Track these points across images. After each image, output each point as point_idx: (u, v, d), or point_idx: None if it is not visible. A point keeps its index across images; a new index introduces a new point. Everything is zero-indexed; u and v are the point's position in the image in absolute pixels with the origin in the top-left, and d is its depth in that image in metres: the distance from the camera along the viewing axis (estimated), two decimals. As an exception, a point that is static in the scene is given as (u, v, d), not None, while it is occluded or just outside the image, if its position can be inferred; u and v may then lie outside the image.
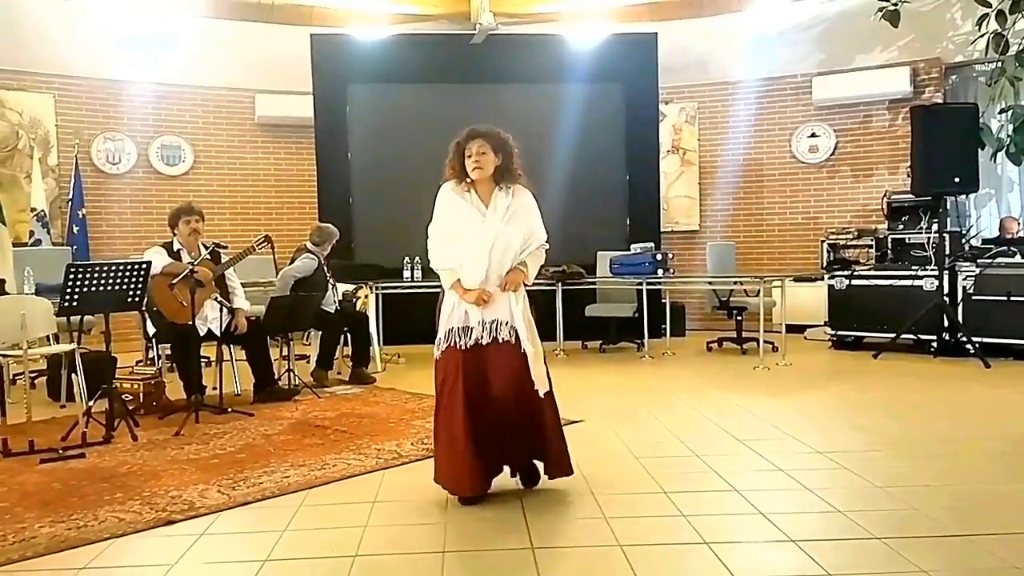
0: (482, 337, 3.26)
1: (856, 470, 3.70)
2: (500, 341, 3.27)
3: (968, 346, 6.85)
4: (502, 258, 3.32)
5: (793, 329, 7.76)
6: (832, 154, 9.06)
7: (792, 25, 8.84)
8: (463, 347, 3.25)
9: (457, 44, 8.73)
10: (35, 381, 5.86)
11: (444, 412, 3.29)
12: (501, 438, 3.29)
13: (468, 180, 3.34)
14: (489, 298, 3.27)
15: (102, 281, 4.59)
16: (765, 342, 7.03)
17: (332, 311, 6.46)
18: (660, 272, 7.45)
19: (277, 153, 9.49)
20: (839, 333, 7.69)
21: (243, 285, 5.87)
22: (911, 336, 7.12)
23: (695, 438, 4.38)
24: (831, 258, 8.36)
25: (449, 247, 3.33)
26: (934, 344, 7.04)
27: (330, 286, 6.51)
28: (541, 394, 3.33)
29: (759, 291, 7.44)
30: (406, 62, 8.53)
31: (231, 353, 5.96)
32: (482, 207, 3.33)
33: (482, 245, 3.29)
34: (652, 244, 7.94)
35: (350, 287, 6.77)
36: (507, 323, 3.27)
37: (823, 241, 8.68)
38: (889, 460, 3.93)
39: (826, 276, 7.86)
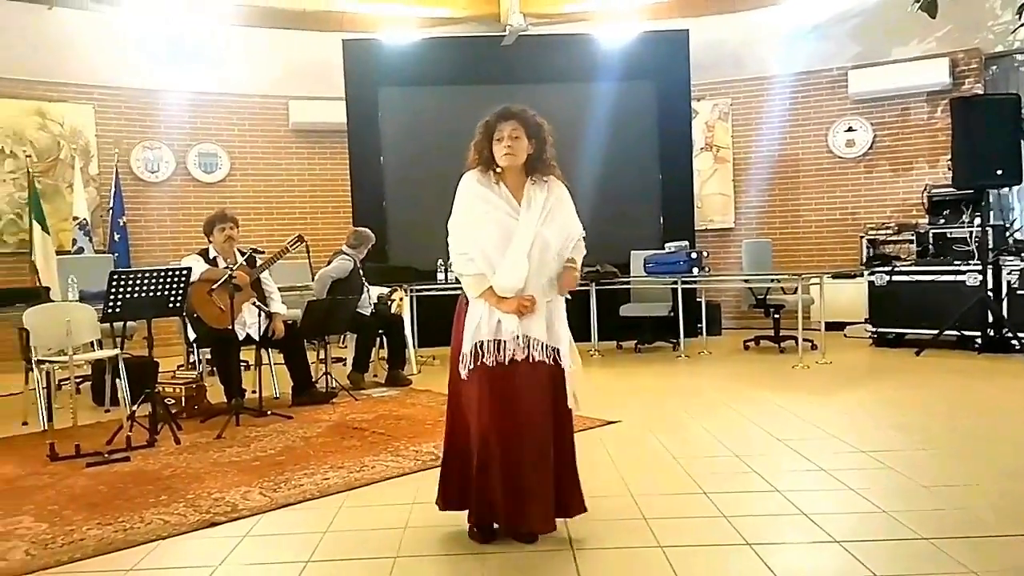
0: (515, 352, 2.79)
1: (900, 469, 3.63)
2: (533, 360, 2.81)
3: (1013, 342, 6.69)
4: (542, 259, 2.83)
5: (832, 327, 7.64)
6: (870, 148, 8.91)
7: (827, 18, 8.71)
8: (493, 363, 2.79)
9: (487, 46, 8.74)
10: (80, 386, 5.98)
11: (476, 439, 2.83)
12: (523, 470, 2.80)
13: (496, 169, 2.90)
14: (531, 305, 2.80)
15: (144, 288, 4.68)
16: (804, 340, 6.94)
17: (367, 314, 6.51)
18: (695, 271, 7.39)
19: (311, 158, 9.59)
20: (880, 330, 7.56)
21: (279, 289, 5.93)
22: (954, 332, 6.98)
23: (734, 438, 4.33)
24: (871, 254, 8.23)
25: (478, 248, 2.82)
26: (978, 340, 6.89)
27: (365, 289, 6.56)
28: (575, 412, 2.95)
29: (797, 288, 7.35)
30: (437, 65, 8.57)
31: (269, 357, 6.03)
32: (514, 202, 2.87)
33: (519, 246, 2.81)
34: (686, 242, 7.87)
35: (385, 290, 6.81)
36: (543, 340, 2.83)
37: (862, 237, 8.54)
38: (933, 459, 3.85)
39: (866, 272, 7.74)
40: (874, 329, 7.61)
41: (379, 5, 9.05)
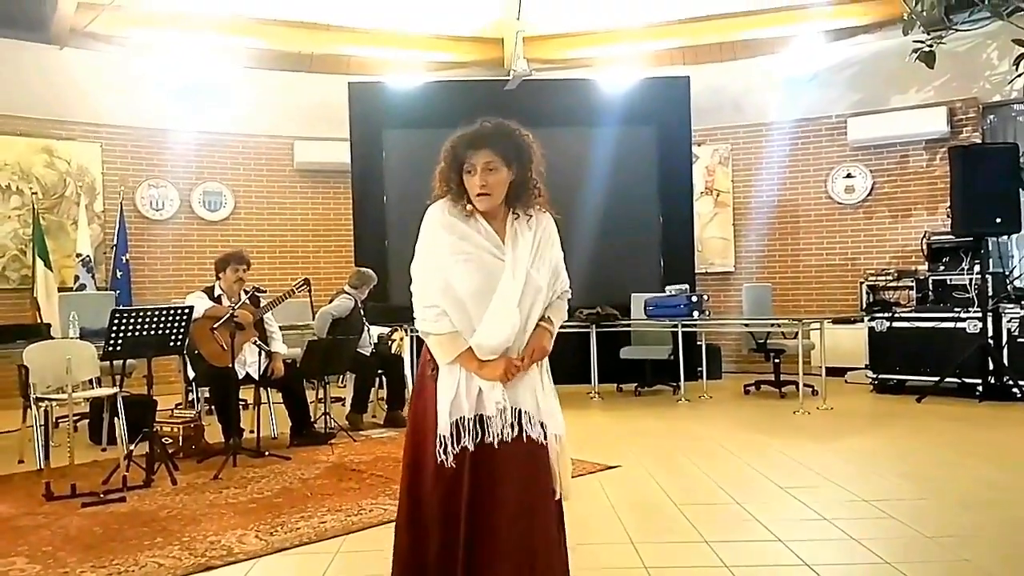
0: (503, 431, 2.20)
1: (903, 519, 3.60)
2: (524, 438, 2.22)
3: (1014, 390, 6.67)
4: (531, 314, 2.28)
5: (833, 372, 7.62)
6: (869, 194, 8.98)
7: (826, 67, 8.85)
8: (472, 446, 2.19)
9: (491, 90, 8.86)
10: (77, 424, 5.94)
11: (433, 535, 2.23)
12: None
13: (466, 203, 2.29)
14: (519, 371, 2.24)
15: (146, 326, 4.68)
16: (805, 385, 6.91)
17: (367, 354, 6.50)
18: (695, 314, 7.40)
19: (315, 198, 9.65)
20: (881, 376, 7.54)
21: (281, 328, 5.93)
22: (955, 380, 6.95)
23: (736, 485, 4.30)
24: (871, 300, 8.23)
25: (451, 299, 2.22)
26: (979, 388, 6.86)
27: (365, 329, 6.57)
28: (564, 501, 2.37)
29: (797, 333, 7.34)
30: (441, 108, 8.66)
31: (268, 396, 6.01)
32: (496, 239, 2.28)
33: (509, 294, 2.22)
34: (687, 285, 7.89)
35: (385, 329, 6.81)
36: (532, 414, 2.25)
37: (862, 282, 8.55)
38: (937, 508, 3.82)
39: (866, 318, 7.74)
40: (875, 375, 7.58)
41: (384, 49, 9.21)
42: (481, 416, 2.21)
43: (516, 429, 2.21)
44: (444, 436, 2.18)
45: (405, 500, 2.32)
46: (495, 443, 2.19)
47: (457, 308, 2.21)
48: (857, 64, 8.78)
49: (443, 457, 2.18)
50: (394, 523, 2.39)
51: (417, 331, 2.37)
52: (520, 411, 2.23)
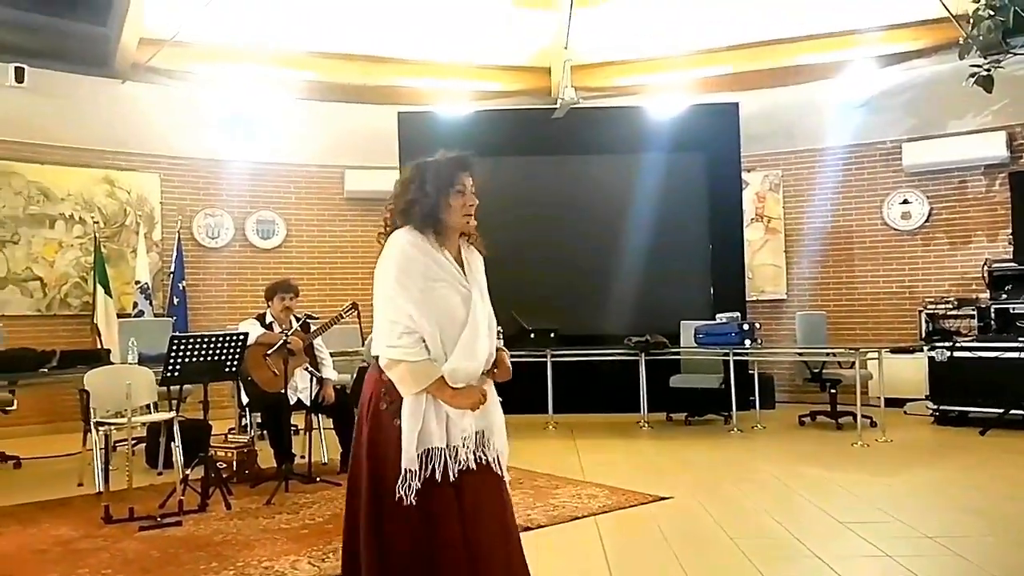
0: (469, 460, 2.25)
1: (969, 557, 3.47)
2: (485, 463, 2.30)
3: (1085, 423, 6.41)
4: (491, 339, 2.37)
5: (892, 403, 7.40)
6: (926, 221, 8.77)
7: (880, 91, 8.70)
8: (442, 478, 2.22)
9: (539, 118, 8.91)
10: (134, 448, 6.06)
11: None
12: None
13: (431, 231, 2.32)
14: (486, 399, 2.32)
15: (203, 352, 4.77)
16: (863, 416, 6.73)
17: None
18: (747, 342, 7.27)
19: (364, 225, 9.77)
20: (942, 408, 7.30)
21: (331, 355, 6.00)
22: (1020, 412, 6.70)
23: (793, 519, 4.19)
24: (930, 329, 8.01)
25: (431, 327, 2.23)
26: (1047, 420, 6.61)
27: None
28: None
29: (854, 363, 7.16)
30: (489, 136, 8.74)
31: (319, 422, 6.06)
32: (458, 268, 2.34)
33: (481, 321, 2.30)
34: (738, 313, 7.78)
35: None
36: (494, 439, 2.33)
37: (920, 311, 8.33)
38: (1003, 546, 3.68)
39: (926, 348, 7.52)
40: (936, 407, 7.35)
41: (433, 80, 9.34)
42: (451, 445, 2.22)
43: (482, 456, 2.27)
44: (408, 470, 2.15)
45: (371, 541, 2.21)
46: (463, 469, 2.22)
47: (434, 333, 2.22)
48: (912, 89, 8.63)
49: (401, 493, 2.15)
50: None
51: (366, 363, 2.38)
52: (485, 437, 2.29)
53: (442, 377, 2.21)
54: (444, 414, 2.23)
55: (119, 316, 8.01)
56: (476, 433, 2.27)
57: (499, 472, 2.31)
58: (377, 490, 2.22)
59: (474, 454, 2.26)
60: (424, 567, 2.18)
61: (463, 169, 2.37)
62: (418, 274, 2.24)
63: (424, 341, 2.22)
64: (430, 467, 2.18)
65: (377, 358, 2.28)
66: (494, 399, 2.37)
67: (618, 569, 3.41)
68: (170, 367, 4.70)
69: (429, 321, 2.21)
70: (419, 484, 2.17)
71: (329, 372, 5.80)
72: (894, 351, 7.52)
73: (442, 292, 2.25)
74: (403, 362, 2.21)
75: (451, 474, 2.21)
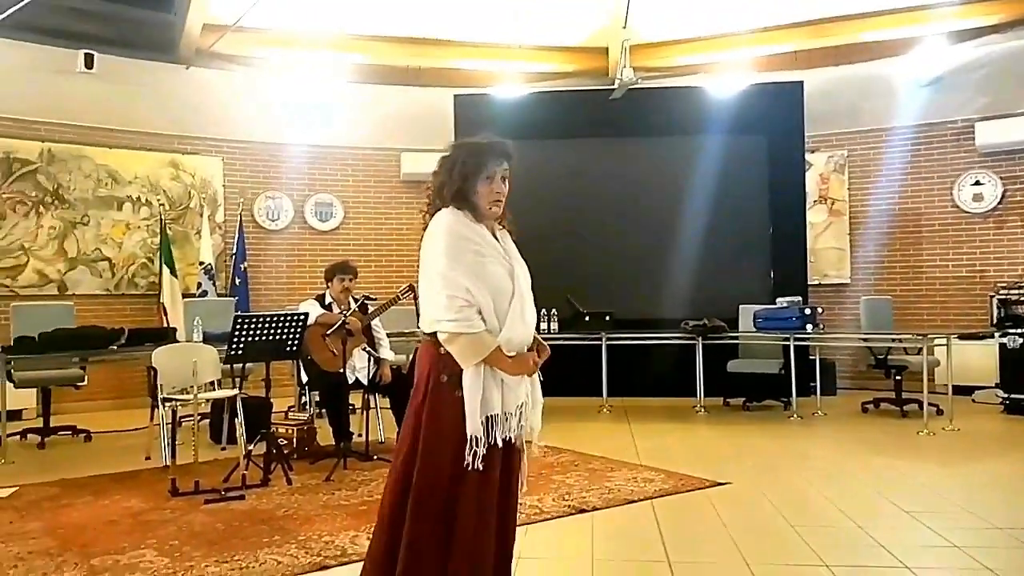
0: (517, 427, 2.37)
1: (1045, 551, 3.34)
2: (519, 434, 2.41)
3: None
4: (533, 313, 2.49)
5: (959, 391, 7.17)
6: (999, 203, 8.43)
7: (951, 69, 8.37)
8: (500, 442, 2.33)
9: (596, 99, 8.81)
10: (199, 424, 6.24)
11: (472, 538, 2.31)
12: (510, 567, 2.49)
13: (468, 210, 2.43)
14: (537, 366, 2.42)
15: (265, 331, 4.87)
16: (929, 404, 6.53)
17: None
18: (808, 327, 7.10)
19: (421, 208, 9.80)
20: (1013, 396, 7.04)
21: (388, 335, 6.06)
22: (1099, 401, 6.42)
23: (856, 507, 4.09)
24: (1002, 314, 7.71)
25: (485, 299, 2.31)
26: None
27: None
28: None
29: (920, 349, 6.94)
30: (546, 118, 8.68)
31: (376, 401, 6.14)
32: (499, 245, 2.46)
33: (527, 293, 2.42)
34: (799, 297, 7.60)
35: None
36: (531, 411, 2.44)
37: (992, 296, 8.02)
38: (1085, 542, 3.52)
39: (997, 334, 7.25)
40: (1006, 395, 7.10)
41: (490, 61, 9.30)
42: (506, 413, 2.32)
43: (521, 426, 2.38)
44: (475, 436, 2.25)
45: (430, 508, 2.30)
46: (512, 438, 2.34)
47: (488, 306, 2.30)
48: (986, 66, 8.27)
49: (469, 458, 2.25)
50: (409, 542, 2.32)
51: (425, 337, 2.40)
52: (526, 409, 2.39)
53: (499, 347, 2.29)
54: (501, 382, 2.32)
55: (184, 296, 8.23)
56: (522, 404, 2.37)
57: (524, 446, 2.44)
58: (435, 458, 2.30)
59: (519, 424, 2.37)
60: (482, 526, 2.30)
61: (496, 156, 2.43)
62: (468, 250, 2.32)
63: (480, 314, 2.28)
64: (493, 433, 2.29)
65: (433, 333, 2.34)
66: (536, 377, 2.45)
67: (676, 553, 3.38)
68: (234, 346, 4.81)
69: (483, 294, 2.29)
70: (484, 449, 2.26)
71: (386, 352, 5.87)
72: (963, 337, 7.26)
73: (491, 267, 2.34)
74: (463, 335, 2.27)
75: (509, 439, 2.33)
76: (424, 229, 2.44)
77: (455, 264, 2.29)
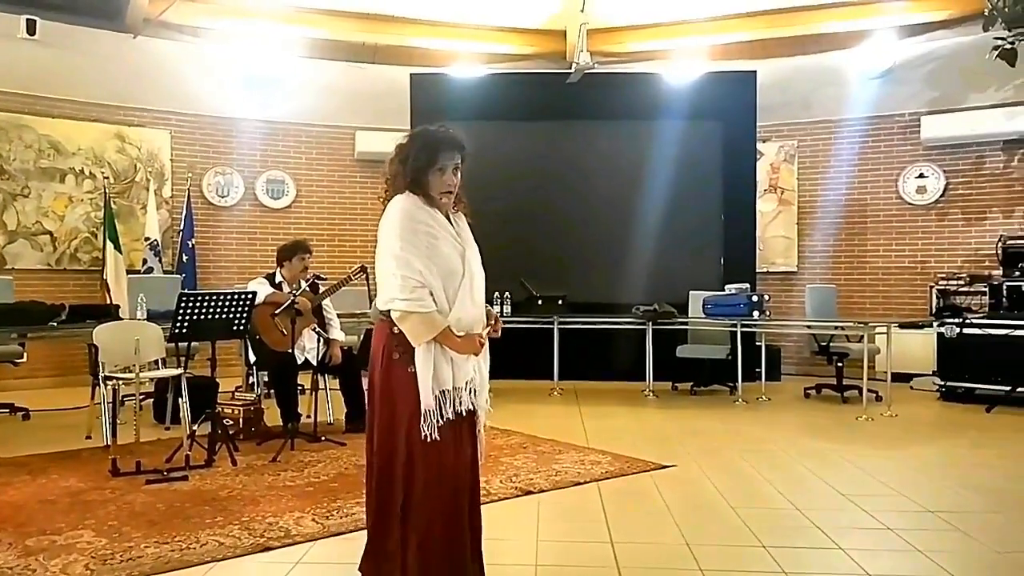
0: (468, 403, 2.50)
1: (972, 533, 3.47)
2: (472, 410, 2.54)
3: (1094, 403, 6.38)
4: (482, 294, 2.62)
5: (899, 378, 7.39)
6: (942, 195, 8.67)
7: (900, 63, 8.56)
8: (451, 416, 2.45)
9: (553, 82, 8.81)
10: (142, 403, 6.12)
11: (441, 509, 2.46)
12: (479, 536, 2.63)
13: (422, 195, 2.52)
14: (483, 345, 2.55)
15: (211, 309, 4.78)
16: (868, 391, 6.72)
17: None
18: (756, 314, 7.24)
19: (375, 188, 9.70)
20: (949, 384, 7.28)
21: (338, 316, 6.01)
22: (1028, 390, 6.67)
23: (795, 490, 4.20)
24: (941, 304, 7.96)
25: (436, 280, 2.43)
26: (1054, 399, 6.58)
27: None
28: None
29: (862, 337, 7.14)
30: (502, 100, 8.66)
31: (325, 382, 6.09)
32: (453, 230, 2.57)
33: (476, 274, 2.54)
34: (748, 285, 7.73)
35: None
36: (480, 385, 2.57)
37: (932, 287, 8.28)
38: (1009, 524, 3.68)
39: (935, 323, 7.48)
40: (942, 382, 7.33)
41: (447, 41, 9.23)
42: (456, 387, 2.46)
43: (473, 402, 2.51)
44: (429, 409, 2.39)
45: (396, 478, 2.46)
46: (462, 411, 2.47)
47: (438, 286, 2.43)
48: (933, 61, 8.48)
49: (425, 431, 2.38)
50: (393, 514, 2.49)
51: (378, 316, 2.55)
52: (476, 386, 2.52)
53: (448, 327, 2.42)
54: (450, 359, 2.45)
55: (128, 272, 8.03)
56: (471, 380, 2.50)
57: (477, 421, 2.57)
58: (394, 433, 2.45)
59: (470, 399, 2.50)
60: (447, 493, 2.45)
61: (448, 149, 2.53)
62: (423, 233, 2.44)
63: (432, 295, 2.40)
64: (446, 406, 2.42)
65: (387, 312, 2.46)
66: (486, 355, 2.58)
67: (618, 534, 3.43)
68: (178, 324, 4.72)
69: (434, 276, 2.42)
70: (439, 422, 2.40)
71: (336, 333, 5.82)
72: (903, 326, 7.49)
73: (443, 249, 2.46)
74: (414, 313, 2.39)
75: (461, 412, 2.47)
76: (382, 214, 2.54)
77: (409, 247, 2.41)
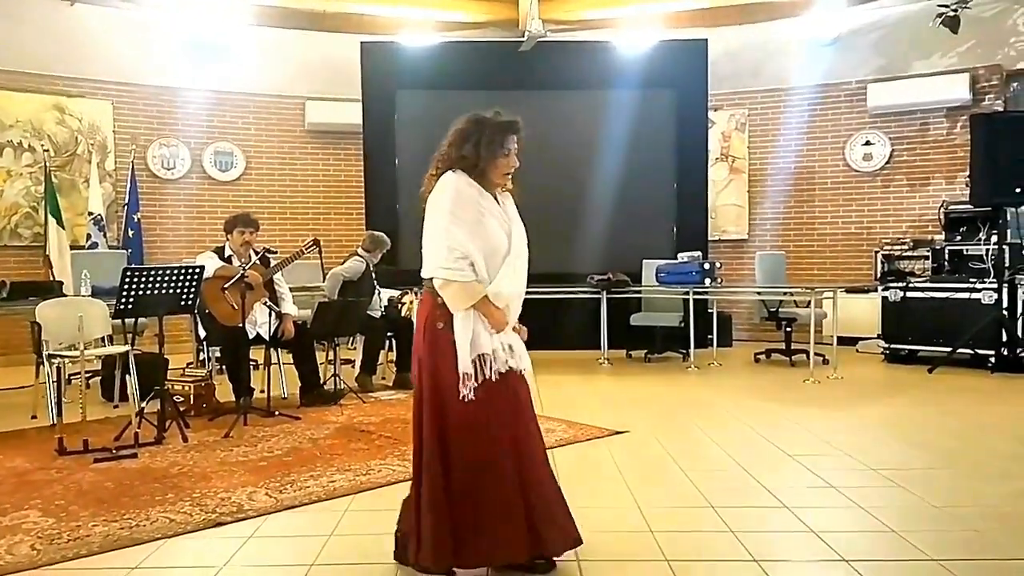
0: (507, 364, 2.62)
1: (912, 489, 3.59)
2: (519, 372, 2.68)
3: (1028, 362, 6.62)
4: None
5: (844, 341, 7.58)
6: (887, 162, 8.85)
7: (848, 31, 8.67)
8: (495, 376, 2.59)
9: (506, 51, 8.75)
10: (89, 382, 6.00)
11: (488, 468, 2.58)
12: (544, 489, 2.72)
13: (477, 179, 2.64)
14: (509, 325, 2.69)
15: (157, 285, 4.69)
16: (816, 354, 6.88)
17: (377, 316, 6.51)
18: (707, 281, 7.35)
19: (326, 159, 9.61)
20: (893, 346, 7.50)
21: (291, 290, 5.94)
22: (968, 351, 6.90)
23: (743, 452, 4.30)
24: (885, 269, 8.16)
25: (478, 253, 2.56)
26: (992, 359, 6.82)
27: (376, 292, 6.57)
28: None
29: (809, 302, 7.29)
30: (454, 69, 8.57)
31: (278, 357, 6.04)
32: (501, 211, 2.70)
33: (523, 253, 2.68)
34: (699, 253, 7.84)
35: (395, 293, 6.82)
36: (518, 351, 2.69)
37: (877, 252, 8.48)
38: (947, 479, 3.81)
39: (880, 288, 7.68)
40: (887, 345, 7.55)
41: (398, 8, 9.07)
42: (494, 351, 2.59)
43: (515, 364, 2.64)
44: (467, 372, 2.54)
45: (437, 451, 2.59)
46: (507, 370, 2.61)
47: (480, 259, 2.56)
48: (880, 28, 8.60)
49: (464, 392, 2.53)
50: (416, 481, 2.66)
51: (425, 287, 2.66)
52: (511, 347, 2.65)
53: (486, 296, 2.57)
54: (481, 327, 2.60)
55: (72, 248, 7.83)
56: (509, 346, 2.64)
57: (522, 372, 2.69)
58: (439, 395, 2.59)
59: (506, 361, 2.62)
60: (483, 450, 2.58)
61: (514, 132, 2.69)
62: (471, 209, 2.58)
63: (473, 266, 2.55)
64: (484, 369, 2.57)
65: (431, 280, 2.61)
66: (521, 343, 2.72)
67: (572, 499, 3.44)
68: (123, 300, 4.62)
69: (478, 249, 2.56)
70: (476, 384, 2.55)
71: (289, 307, 5.76)
72: (849, 291, 7.68)
73: (491, 226, 2.60)
74: (456, 282, 2.55)
75: (497, 374, 2.59)
76: (427, 191, 2.67)
77: (457, 220, 2.55)
